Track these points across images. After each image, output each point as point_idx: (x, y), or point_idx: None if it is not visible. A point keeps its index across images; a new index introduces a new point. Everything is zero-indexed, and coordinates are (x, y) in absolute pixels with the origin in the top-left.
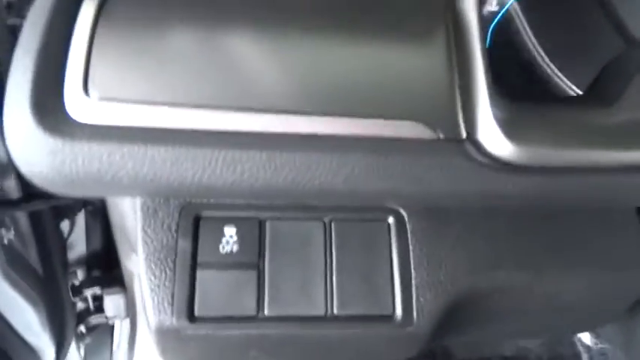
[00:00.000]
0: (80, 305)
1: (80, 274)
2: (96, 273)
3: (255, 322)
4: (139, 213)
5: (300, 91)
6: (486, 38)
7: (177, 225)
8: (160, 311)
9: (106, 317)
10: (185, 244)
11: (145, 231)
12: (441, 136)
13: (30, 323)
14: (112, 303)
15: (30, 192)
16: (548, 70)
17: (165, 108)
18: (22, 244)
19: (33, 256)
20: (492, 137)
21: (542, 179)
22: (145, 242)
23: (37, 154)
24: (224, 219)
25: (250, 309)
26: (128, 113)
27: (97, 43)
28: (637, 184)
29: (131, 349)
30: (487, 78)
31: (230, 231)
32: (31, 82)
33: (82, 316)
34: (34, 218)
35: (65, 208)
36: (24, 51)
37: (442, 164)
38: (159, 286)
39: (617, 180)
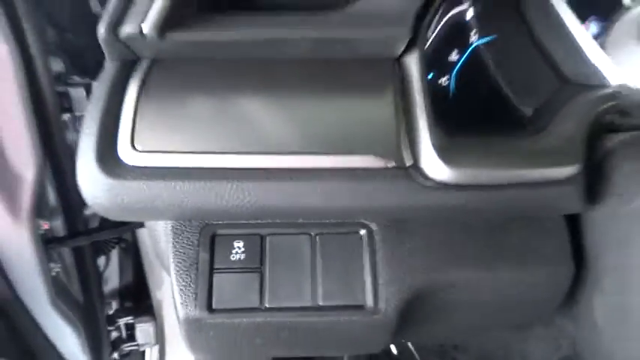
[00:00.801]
0: (114, 334)
1: (114, 305)
2: (128, 304)
3: (259, 312)
4: (169, 234)
5: (286, 138)
6: (441, 83)
7: (199, 241)
8: (187, 305)
9: (138, 345)
10: (204, 255)
11: (175, 247)
12: (389, 165)
13: (72, 348)
14: (143, 331)
15: (74, 230)
16: (514, 101)
17: (190, 155)
18: (67, 277)
19: (75, 287)
20: (432, 163)
21: (473, 194)
22: (175, 255)
23: (99, 191)
24: (234, 235)
25: (255, 302)
26: (162, 160)
27: (140, 112)
28: (554, 196)
29: None
30: (428, 117)
31: (238, 244)
32: (96, 143)
33: (115, 344)
34: (77, 254)
35: (102, 245)
36: (90, 119)
37: (391, 187)
38: (185, 287)
39: (536, 193)
